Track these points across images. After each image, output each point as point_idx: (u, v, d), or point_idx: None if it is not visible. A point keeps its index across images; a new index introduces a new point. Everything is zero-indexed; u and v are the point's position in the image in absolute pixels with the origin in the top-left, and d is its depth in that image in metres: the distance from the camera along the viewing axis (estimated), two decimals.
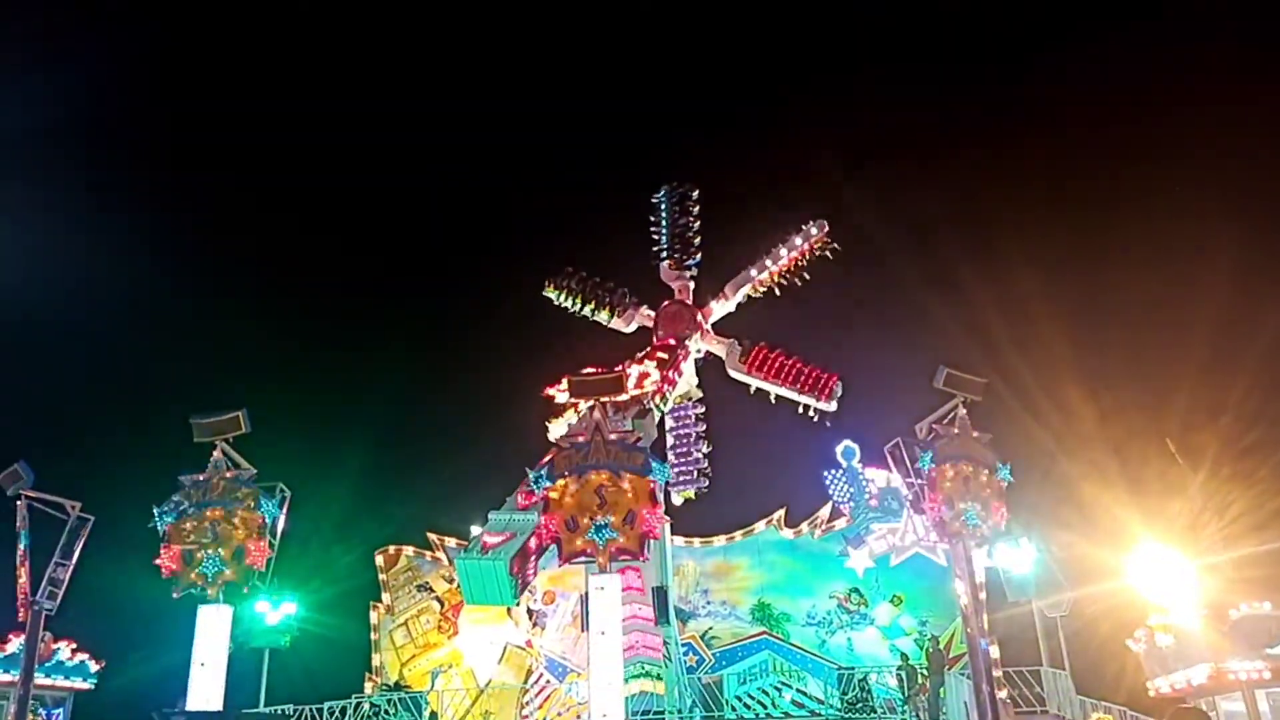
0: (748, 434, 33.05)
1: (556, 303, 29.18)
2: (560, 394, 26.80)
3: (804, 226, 28.31)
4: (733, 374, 27.58)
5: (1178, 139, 37.14)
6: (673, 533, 28.18)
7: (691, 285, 28.52)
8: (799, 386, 26.53)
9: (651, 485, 17.47)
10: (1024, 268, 34.20)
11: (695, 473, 27.11)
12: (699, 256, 28.46)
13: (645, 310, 28.55)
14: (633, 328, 28.65)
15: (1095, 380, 31.09)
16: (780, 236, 28.24)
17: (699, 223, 28.63)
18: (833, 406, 26.82)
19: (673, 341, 27.26)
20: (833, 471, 29.96)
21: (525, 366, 29.79)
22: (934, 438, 18.47)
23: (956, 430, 18.50)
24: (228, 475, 18.78)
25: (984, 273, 34.12)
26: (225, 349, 39.75)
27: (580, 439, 18.20)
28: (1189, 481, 21.49)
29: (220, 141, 45.07)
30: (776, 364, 26.71)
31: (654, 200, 29.03)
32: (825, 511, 30.43)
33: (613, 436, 18.03)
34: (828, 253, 28.36)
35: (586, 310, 28.67)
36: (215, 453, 19.01)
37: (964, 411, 18.67)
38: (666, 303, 28.35)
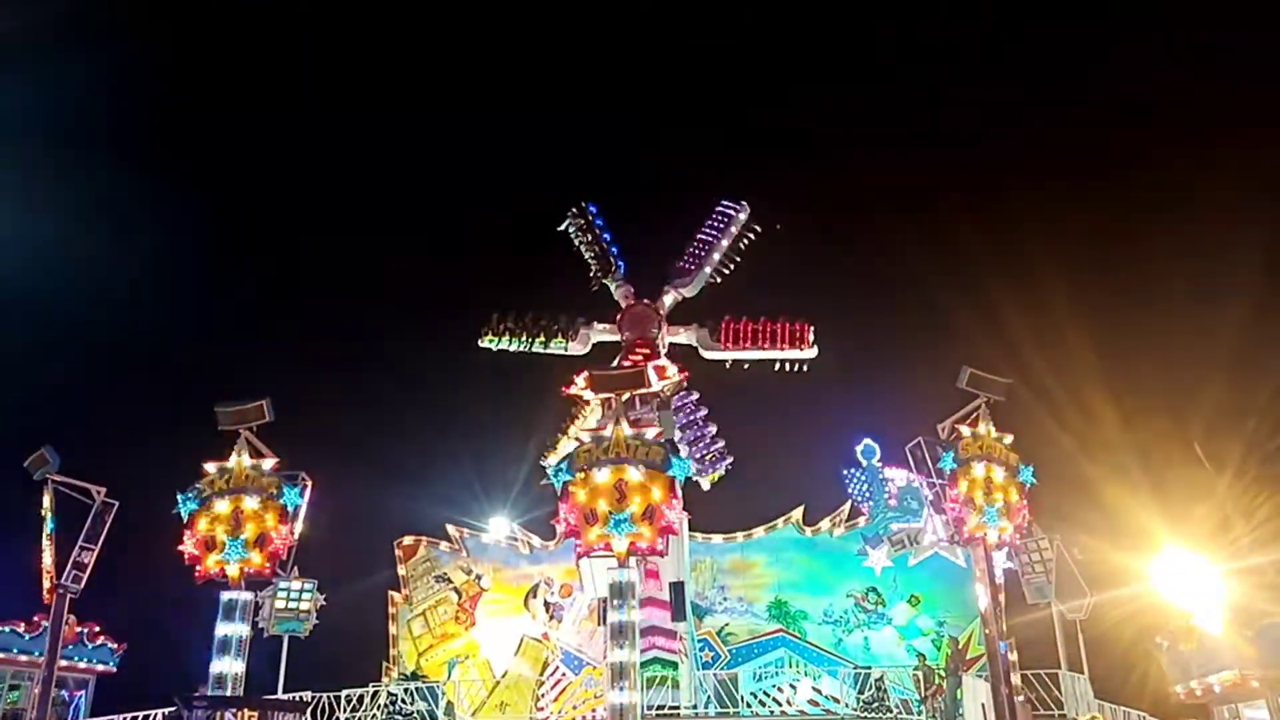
0: (766, 431, 33.04)
1: (496, 349, 28.57)
2: (580, 389, 26.90)
3: (727, 213, 28.68)
4: (708, 355, 27.73)
5: (1206, 138, 36.70)
6: (691, 528, 28.17)
7: (632, 289, 28.51)
8: (778, 344, 26.98)
9: (671, 480, 17.45)
10: (1048, 267, 33.86)
11: (717, 453, 26.94)
12: (623, 265, 28.51)
13: (599, 325, 28.38)
14: (588, 348, 28.59)
15: (1119, 382, 30.75)
16: (708, 225, 28.58)
17: (608, 234, 28.71)
18: (814, 352, 27.22)
19: (645, 343, 27.47)
20: (852, 470, 29.85)
21: (544, 360, 29.70)
22: (955, 438, 18.35)
23: (979, 430, 18.37)
24: (250, 463, 18.94)
25: (1007, 272, 33.83)
26: (249, 337, 40.11)
27: (601, 432, 18.21)
28: (1215, 485, 21.24)
29: (245, 127, 45.41)
30: (749, 331, 27.02)
31: (561, 229, 29.06)
32: (844, 510, 30.36)
33: (632, 431, 18.04)
34: (755, 230, 28.51)
35: (536, 347, 28.26)
36: (239, 440, 19.17)
37: (986, 411, 18.54)
38: (626, 306, 28.31)
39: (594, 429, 19.16)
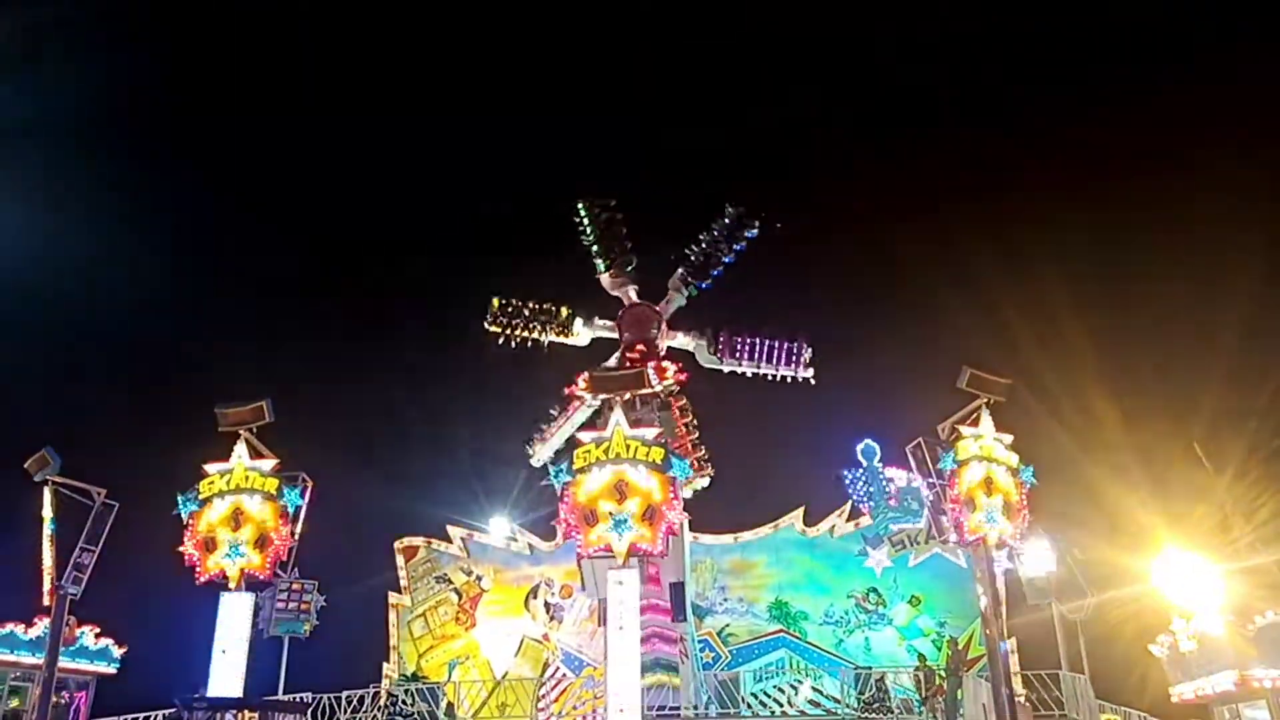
0: (767, 432, 33.02)
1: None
2: (580, 391, 26.86)
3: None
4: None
5: (1205, 138, 36.69)
6: (691, 529, 28.15)
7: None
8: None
9: (671, 480, 17.44)
10: (1049, 267, 33.89)
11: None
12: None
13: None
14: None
15: (1120, 382, 30.78)
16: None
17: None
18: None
19: (644, 344, 27.25)
20: (852, 470, 29.84)
21: (544, 361, 29.68)
22: (956, 438, 18.35)
23: (979, 431, 18.37)
24: (250, 464, 18.92)
25: (1008, 272, 33.81)
26: (249, 338, 40.09)
27: (600, 433, 18.21)
28: (1215, 485, 21.25)
29: (246, 127, 45.43)
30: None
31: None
32: (845, 511, 30.36)
33: (632, 431, 18.03)
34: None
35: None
36: (239, 442, 19.17)
37: (987, 412, 18.53)
38: (627, 306, 28.07)
39: (593, 429, 19.10)
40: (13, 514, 21.23)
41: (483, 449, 34.19)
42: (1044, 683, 23.29)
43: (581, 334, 28.14)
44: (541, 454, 27.73)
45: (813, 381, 27.01)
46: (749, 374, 27.36)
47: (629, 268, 27.89)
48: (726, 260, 27.94)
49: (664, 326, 28.09)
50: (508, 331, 28.22)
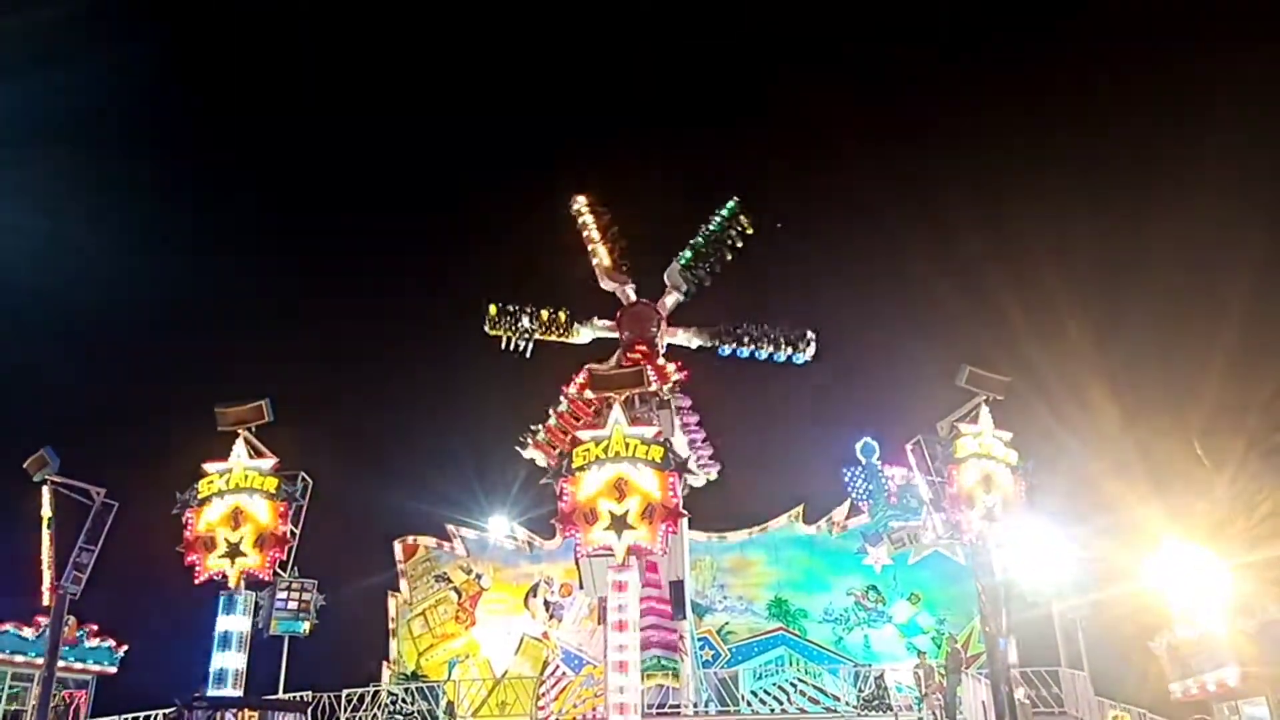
0: (766, 429, 32.99)
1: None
2: (579, 386, 26.84)
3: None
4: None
5: (1207, 129, 36.61)
6: (690, 527, 28.14)
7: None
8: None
9: (670, 479, 17.43)
10: (1048, 264, 33.85)
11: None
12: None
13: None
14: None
15: (1119, 378, 30.72)
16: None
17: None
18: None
19: (644, 342, 27.34)
20: (852, 468, 29.88)
21: (546, 360, 29.70)
22: (955, 436, 18.35)
23: (978, 428, 18.37)
24: (250, 463, 18.93)
25: (1007, 269, 33.81)
26: (249, 338, 40.08)
27: (599, 431, 18.20)
28: (1214, 482, 21.21)
29: (246, 128, 45.41)
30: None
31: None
32: (844, 508, 30.38)
33: (632, 430, 18.02)
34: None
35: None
36: (238, 441, 19.16)
37: (986, 409, 18.54)
38: (626, 305, 28.14)
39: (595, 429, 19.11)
40: (12, 514, 21.25)
41: (483, 447, 34.18)
42: (1043, 680, 23.29)
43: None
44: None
45: (689, 486, 26.84)
46: (674, 437, 27.15)
47: (700, 282, 28.00)
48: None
49: (663, 323, 28.11)
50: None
